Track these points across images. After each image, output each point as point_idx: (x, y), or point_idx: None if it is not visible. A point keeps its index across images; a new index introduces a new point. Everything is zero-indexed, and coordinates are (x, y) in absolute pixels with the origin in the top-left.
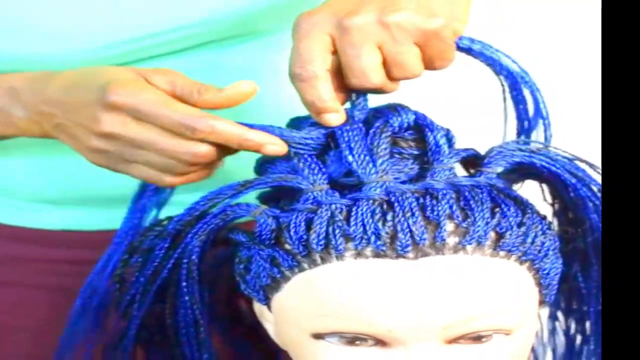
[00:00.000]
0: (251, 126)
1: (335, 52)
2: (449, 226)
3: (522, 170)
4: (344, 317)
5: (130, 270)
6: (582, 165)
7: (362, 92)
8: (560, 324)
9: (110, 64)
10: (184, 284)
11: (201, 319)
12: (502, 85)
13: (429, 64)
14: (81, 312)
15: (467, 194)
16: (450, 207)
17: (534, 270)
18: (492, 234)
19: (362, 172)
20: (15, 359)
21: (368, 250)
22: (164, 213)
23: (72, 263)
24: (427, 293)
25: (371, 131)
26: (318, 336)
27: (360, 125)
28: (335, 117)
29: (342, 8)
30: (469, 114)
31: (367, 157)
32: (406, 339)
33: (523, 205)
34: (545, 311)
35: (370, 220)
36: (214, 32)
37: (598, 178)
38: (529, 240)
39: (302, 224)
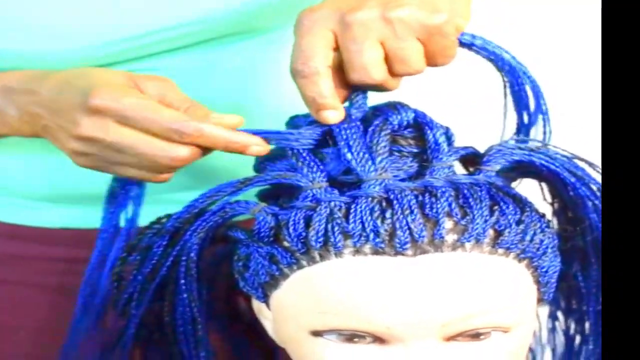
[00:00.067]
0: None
1: (337, 49)
2: (448, 224)
3: (521, 169)
4: (343, 315)
5: (128, 268)
6: (582, 164)
7: (363, 90)
8: (559, 324)
9: (111, 61)
10: (183, 281)
11: (199, 316)
12: (504, 81)
13: (431, 60)
14: (83, 311)
15: (466, 191)
16: (449, 204)
17: (533, 268)
18: (490, 232)
19: (361, 169)
20: (14, 359)
21: (367, 248)
22: (164, 211)
23: (71, 261)
24: (425, 290)
25: (370, 129)
26: (316, 333)
27: (358, 123)
28: (334, 114)
29: (345, 4)
30: (469, 112)
31: (366, 155)
32: (405, 336)
33: (522, 203)
34: (545, 310)
35: (369, 218)
36: (214, 30)
37: (597, 177)
38: (528, 237)
39: (301, 221)
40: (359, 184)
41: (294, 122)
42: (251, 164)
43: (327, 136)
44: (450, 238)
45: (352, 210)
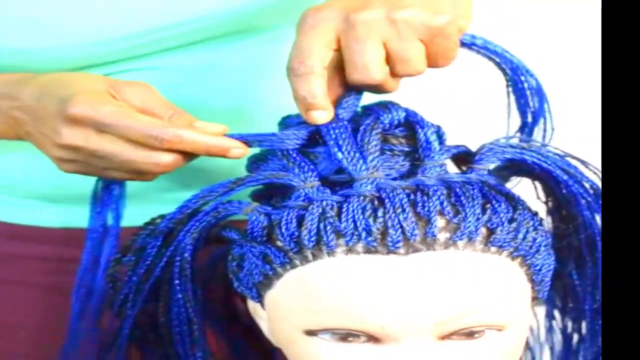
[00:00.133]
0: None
1: (338, 49)
2: (440, 222)
3: (513, 167)
4: (336, 314)
5: (123, 270)
6: (574, 162)
7: (362, 90)
8: (557, 323)
9: (111, 59)
10: (177, 282)
11: (194, 317)
12: (506, 79)
13: (432, 62)
14: (80, 313)
15: (458, 190)
16: (441, 203)
17: (526, 266)
18: (483, 230)
19: (353, 168)
20: (14, 358)
21: (359, 246)
22: (163, 211)
23: (71, 261)
24: (418, 289)
25: (361, 128)
26: (310, 333)
27: (345, 122)
28: (322, 114)
29: (350, 4)
30: (466, 112)
31: (357, 154)
32: (398, 335)
33: (514, 202)
34: (542, 310)
35: (361, 217)
36: (214, 28)
37: (591, 175)
38: (520, 236)
39: (294, 220)
40: (351, 183)
41: (286, 122)
42: (243, 163)
43: (317, 136)
44: (443, 236)
45: (344, 209)
